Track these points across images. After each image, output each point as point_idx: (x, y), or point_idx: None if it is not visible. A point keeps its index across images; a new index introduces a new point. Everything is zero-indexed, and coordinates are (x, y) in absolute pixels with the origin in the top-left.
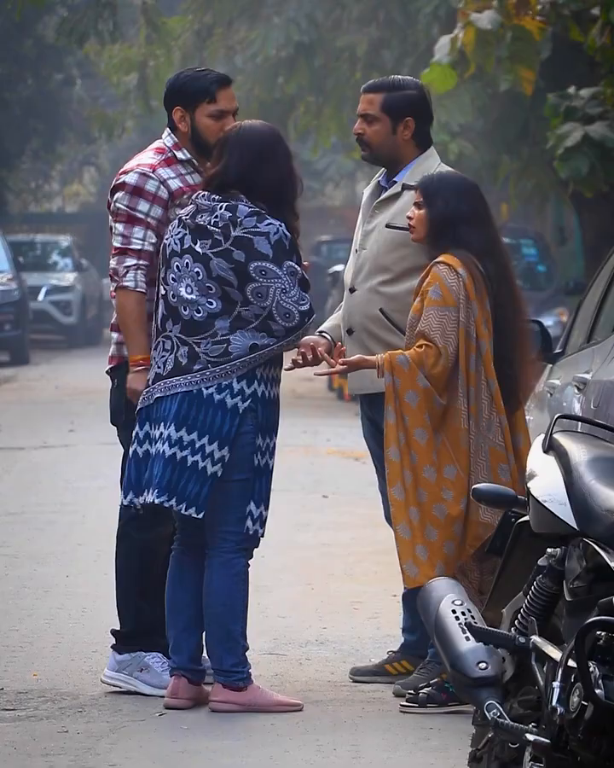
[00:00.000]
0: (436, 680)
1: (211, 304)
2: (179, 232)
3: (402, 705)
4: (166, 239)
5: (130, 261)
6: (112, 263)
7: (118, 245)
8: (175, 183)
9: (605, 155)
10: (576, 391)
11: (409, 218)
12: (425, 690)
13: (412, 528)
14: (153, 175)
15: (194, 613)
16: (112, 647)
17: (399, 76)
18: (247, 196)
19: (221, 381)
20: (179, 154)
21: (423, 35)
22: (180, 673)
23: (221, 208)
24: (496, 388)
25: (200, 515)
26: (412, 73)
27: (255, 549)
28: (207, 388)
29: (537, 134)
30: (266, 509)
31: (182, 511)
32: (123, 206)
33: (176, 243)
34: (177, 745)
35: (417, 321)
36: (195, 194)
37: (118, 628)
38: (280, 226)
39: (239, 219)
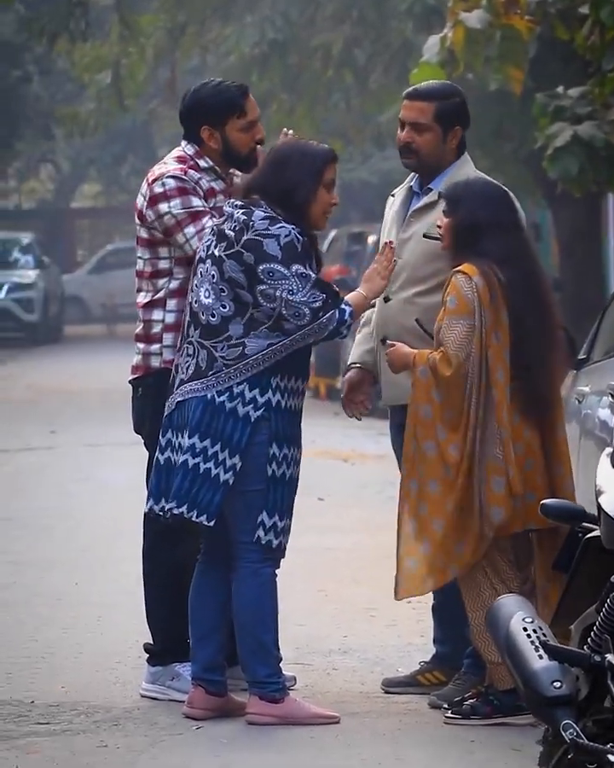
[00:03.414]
0: (472, 691)
1: (225, 307)
2: (208, 240)
3: (446, 716)
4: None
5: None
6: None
7: (196, 245)
8: (204, 184)
9: (594, 155)
10: (611, 398)
11: (439, 226)
12: (469, 702)
13: (406, 540)
14: (185, 177)
15: (212, 623)
16: (146, 659)
17: (440, 82)
18: (267, 202)
19: (232, 383)
20: (201, 163)
21: (396, 34)
22: (196, 683)
23: (238, 213)
24: (500, 398)
25: (211, 523)
26: (385, 72)
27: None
28: (220, 395)
29: (512, 131)
30: (285, 519)
31: (194, 518)
32: (180, 211)
33: (203, 250)
34: (220, 760)
35: (440, 329)
36: (225, 203)
37: (150, 642)
38: (293, 229)
39: (252, 223)
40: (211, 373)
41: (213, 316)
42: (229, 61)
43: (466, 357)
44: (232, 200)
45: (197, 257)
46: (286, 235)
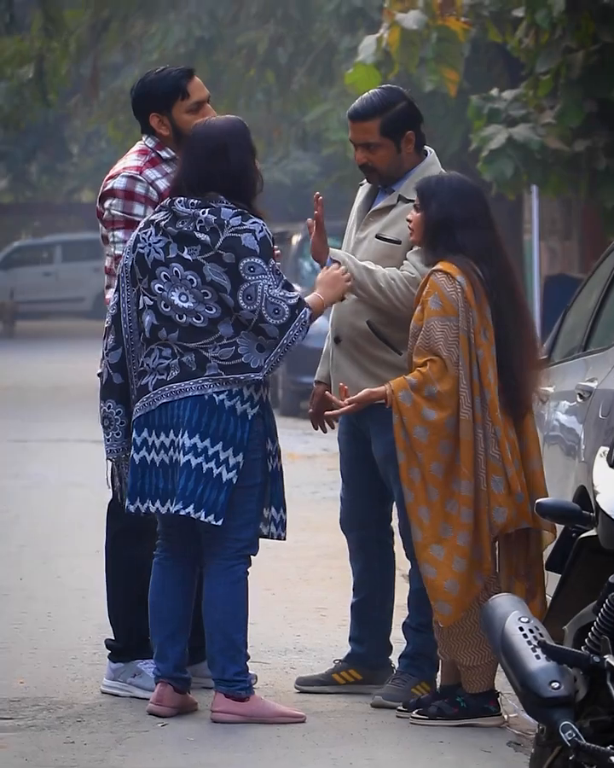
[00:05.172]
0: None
1: (211, 310)
2: (159, 240)
3: (412, 717)
4: (142, 247)
5: None
6: (118, 270)
7: (120, 251)
8: (162, 184)
9: (529, 157)
10: (579, 399)
11: (409, 220)
12: (436, 703)
13: (437, 565)
14: (140, 177)
15: (179, 621)
16: (108, 656)
17: (379, 91)
18: (226, 197)
19: (233, 387)
20: (163, 153)
21: (320, 34)
22: (165, 681)
23: (204, 213)
24: (492, 397)
25: (219, 523)
26: (308, 73)
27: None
28: (219, 395)
29: (435, 133)
30: (285, 512)
31: (202, 519)
32: (118, 213)
33: (158, 252)
34: (189, 758)
35: (419, 330)
36: (169, 201)
37: (112, 639)
38: (263, 225)
39: (225, 221)
40: (206, 373)
41: (198, 318)
42: (153, 57)
43: (457, 359)
44: (182, 199)
45: (145, 258)
46: (259, 230)
